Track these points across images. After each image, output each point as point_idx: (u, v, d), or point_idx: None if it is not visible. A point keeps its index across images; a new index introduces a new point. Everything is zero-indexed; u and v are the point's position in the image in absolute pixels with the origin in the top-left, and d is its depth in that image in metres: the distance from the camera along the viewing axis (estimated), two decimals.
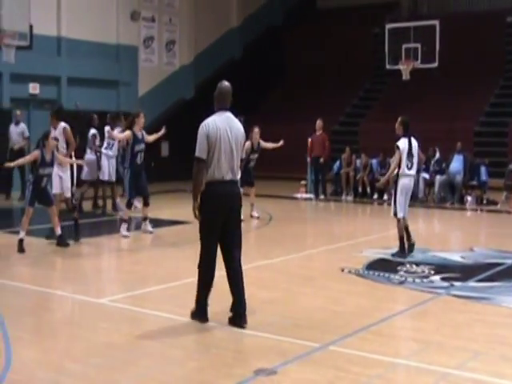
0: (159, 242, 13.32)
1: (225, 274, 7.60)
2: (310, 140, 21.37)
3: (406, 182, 11.58)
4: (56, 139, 12.74)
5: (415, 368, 6.32)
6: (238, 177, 7.69)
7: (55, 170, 12.54)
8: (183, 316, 7.77)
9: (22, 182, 19.34)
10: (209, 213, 7.41)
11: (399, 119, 11.70)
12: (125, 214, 13.65)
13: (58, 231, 12.33)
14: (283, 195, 21.46)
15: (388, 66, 24.01)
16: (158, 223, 14.36)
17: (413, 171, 11.69)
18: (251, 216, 16.03)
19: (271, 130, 23.28)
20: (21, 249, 11.75)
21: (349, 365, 6.32)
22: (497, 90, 27.04)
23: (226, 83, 7.71)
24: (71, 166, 12.90)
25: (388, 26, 24.36)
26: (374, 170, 20.96)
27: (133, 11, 25.97)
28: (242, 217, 15.40)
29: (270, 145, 16.48)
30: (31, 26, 17.51)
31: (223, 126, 7.45)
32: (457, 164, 19.72)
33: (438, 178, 19.87)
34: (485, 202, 19.33)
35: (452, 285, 9.63)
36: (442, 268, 10.68)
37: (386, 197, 19.56)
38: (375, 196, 20.59)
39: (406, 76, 23.31)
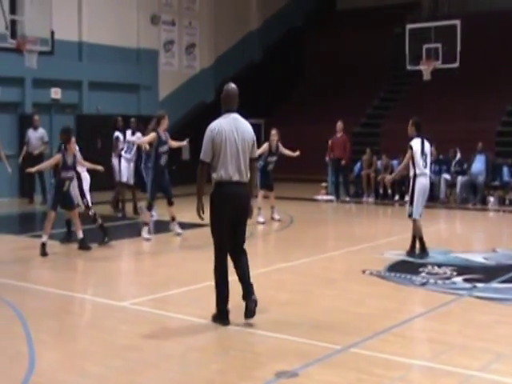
0: (181, 245, 13.36)
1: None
2: (330, 142, 21.33)
3: (423, 182, 11.57)
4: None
5: (438, 370, 6.28)
6: (247, 178, 7.74)
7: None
8: (204, 318, 7.78)
9: (42, 186, 19.48)
10: (218, 213, 7.58)
11: (411, 120, 11.77)
12: (146, 217, 13.69)
13: (80, 235, 12.39)
14: (304, 197, 21.43)
15: (409, 67, 23.92)
16: (179, 226, 14.36)
17: (428, 170, 11.70)
18: (272, 218, 16.03)
19: (291, 132, 23.33)
20: (43, 252, 11.83)
21: (370, 367, 6.29)
22: None
23: (232, 85, 7.83)
24: (78, 176, 12.81)
25: (408, 27, 24.27)
26: (395, 171, 20.85)
27: (153, 15, 26.06)
28: (263, 219, 15.63)
29: (287, 152, 16.36)
30: (53, 32, 17.65)
31: (229, 128, 7.59)
32: (479, 164, 19.63)
33: (460, 178, 19.78)
34: (507, 202, 19.22)
35: (474, 286, 9.57)
36: (464, 269, 10.62)
37: (406, 198, 19.47)
38: (396, 197, 20.52)
39: (426, 76, 23.21)
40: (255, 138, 7.91)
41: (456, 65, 22.68)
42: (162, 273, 10.89)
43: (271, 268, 10.97)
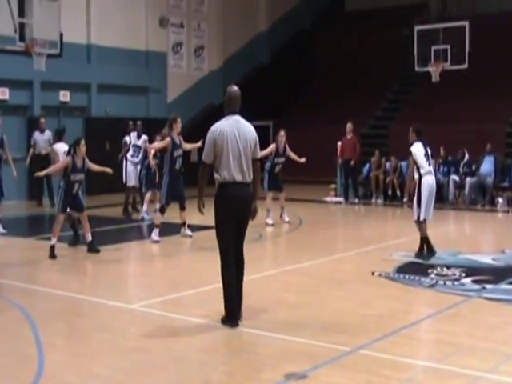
0: (190, 247, 13.38)
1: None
2: (339, 143, 21.32)
3: (429, 181, 11.60)
4: None
5: (447, 371, 6.27)
6: (250, 178, 7.81)
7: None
8: (213, 320, 7.79)
9: (49, 188, 19.52)
10: (223, 214, 7.70)
11: (411, 127, 12.05)
12: (157, 219, 13.71)
13: (89, 237, 12.41)
14: (312, 199, 21.42)
15: (417, 68, 23.86)
16: (189, 229, 14.36)
17: (432, 168, 11.89)
18: (281, 217, 16.01)
19: (300, 133, 23.35)
20: (52, 255, 11.86)
21: (379, 368, 6.28)
22: None
23: (234, 88, 7.94)
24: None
25: (417, 28, 24.20)
26: (403, 173, 20.83)
27: (161, 17, 26.09)
28: (272, 221, 15.63)
29: (293, 155, 16.30)
30: (61, 34, 17.67)
31: (231, 130, 7.69)
32: (487, 165, 19.59)
33: (469, 179, 19.74)
34: None
35: (483, 287, 9.55)
36: (473, 270, 10.59)
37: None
38: (405, 199, 20.47)
39: (435, 78, 23.16)
40: (257, 140, 7.96)
41: (465, 66, 22.63)
42: (170, 275, 10.91)
43: (280, 270, 10.97)
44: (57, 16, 17.63)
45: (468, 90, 26.32)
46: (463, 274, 10.31)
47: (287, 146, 16.08)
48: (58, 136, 14.62)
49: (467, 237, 15.51)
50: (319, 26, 33.29)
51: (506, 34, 27.42)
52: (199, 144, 14.58)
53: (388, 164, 21.34)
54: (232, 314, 7.65)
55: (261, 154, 15.10)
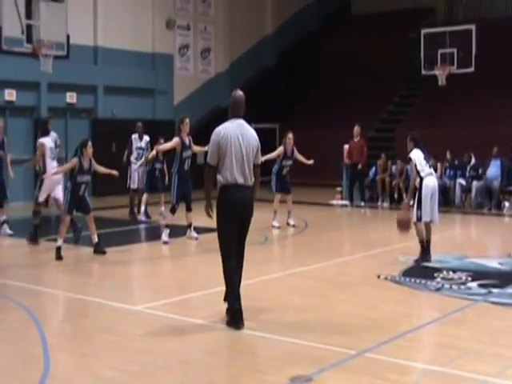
0: (196, 249, 13.39)
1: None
2: (346, 146, 21.31)
3: (430, 183, 11.55)
4: None
5: (453, 376, 6.25)
6: (251, 182, 7.89)
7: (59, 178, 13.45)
8: (219, 323, 7.79)
9: None
10: (225, 216, 7.75)
11: (409, 136, 12.06)
12: (167, 220, 13.72)
13: (95, 239, 12.43)
14: (318, 202, 21.41)
15: (424, 72, 23.84)
16: (195, 231, 14.36)
17: (432, 170, 11.87)
18: (287, 224, 16.00)
19: (306, 136, 23.30)
20: (58, 256, 11.88)
21: (385, 372, 6.28)
22: None
23: (239, 92, 8.04)
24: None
25: (424, 31, 24.20)
26: (409, 176, 20.79)
27: (168, 20, 26.13)
28: (278, 224, 15.63)
29: (301, 158, 16.25)
30: (68, 36, 17.69)
31: (234, 133, 7.77)
32: (494, 169, 19.56)
33: (475, 183, 19.71)
34: None
35: (490, 291, 9.53)
36: (479, 274, 10.57)
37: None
38: (411, 202, 20.41)
39: (441, 81, 23.13)
40: (259, 146, 8.02)
41: (471, 70, 22.61)
42: (176, 277, 10.92)
43: (286, 272, 10.97)
44: (64, 18, 17.65)
45: (474, 93, 26.30)
46: (469, 278, 10.29)
47: (295, 149, 16.06)
48: (43, 128, 14.54)
49: (473, 241, 15.48)
50: (326, 29, 33.31)
51: None
52: (206, 148, 14.62)
53: (394, 167, 21.31)
54: (237, 316, 7.65)
55: (268, 156, 15.33)
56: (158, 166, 16.89)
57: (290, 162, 16.00)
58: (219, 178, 7.79)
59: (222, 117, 8.52)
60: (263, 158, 15.00)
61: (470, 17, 28.60)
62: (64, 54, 17.72)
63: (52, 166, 13.87)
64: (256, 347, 7.21)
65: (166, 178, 16.37)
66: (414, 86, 29.48)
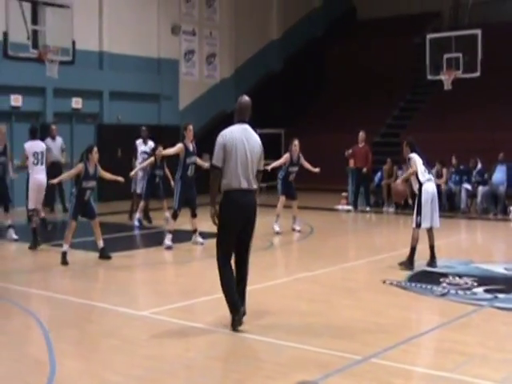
0: (201, 254, 13.38)
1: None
2: (350, 150, 21.28)
3: (429, 189, 11.48)
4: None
5: (458, 381, 6.24)
6: (255, 186, 7.92)
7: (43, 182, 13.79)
8: (224, 328, 7.78)
9: (61, 195, 19.59)
10: (226, 218, 7.78)
11: (405, 142, 12.06)
12: (170, 225, 13.74)
13: (101, 244, 12.44)
14: (324, 207, 21.40)
15: (429, 77, 23.81)
16: (201, 236, 14.35)
17: (431, 176, 11.79)
18: (293, 229, 15.99)
19: (311, 141, 23.32)
20: (64, 261, 11.89)
21: (391, 377, 6.26)
22: None
23: (245, 98, 8.09)
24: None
25: (429, 36, 24.17)
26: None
27: (173, 25, 26.16)
28: (279, 229, 15.61)
29: (307, 165, 16.25)
30: (74, 42, 17.72)
31: (240, 137, 7.82)
32: (500, 174, 19.53)
33: (481, 188, 19.68)
34: None
35: (495, 297, 9.51)
36: (485, 280, 10.55)
37: None
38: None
39: (447, 86, 23.10)
40: (263, 152, 8.06)
41: (477, 74, 22.58)
42: (181, 282, 10.92)
43: (291, 278, 10.97)
44: (69, 23, 17.68)
45: (480, 98, 26.27)
46: (475, 283, 10.27)
47: (301, 156, 16.06)
48: (32, 134, 14.82)
49: (479, 246, 15.46)
50: (331, 34, 33.31)
51: None
52: (207, 165, 14.67)
53: (400, 172, 21.25)
54: (238, 317, 7.68)
55: (275, 164, 15.30)
56: (158, 172, 16.69)
57: (295, 169, 16.01)
58: (223, 181, 7.82)
59: (227, 122, 8.53)
60: (270, 166, 15.19)
61: (476, 21, 28.55)
62: (70, 59, 17.74)
63: (35, 170, 14.06)
64: (261, 352, 7.20)
65: (172, 182, 16.35)
66: (420, 91, 29.45)
